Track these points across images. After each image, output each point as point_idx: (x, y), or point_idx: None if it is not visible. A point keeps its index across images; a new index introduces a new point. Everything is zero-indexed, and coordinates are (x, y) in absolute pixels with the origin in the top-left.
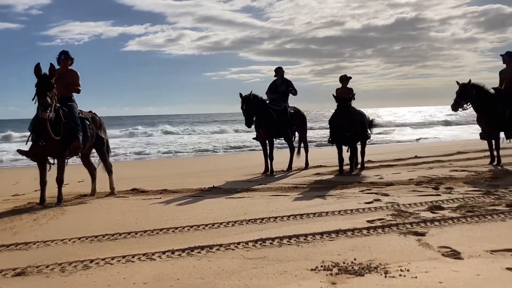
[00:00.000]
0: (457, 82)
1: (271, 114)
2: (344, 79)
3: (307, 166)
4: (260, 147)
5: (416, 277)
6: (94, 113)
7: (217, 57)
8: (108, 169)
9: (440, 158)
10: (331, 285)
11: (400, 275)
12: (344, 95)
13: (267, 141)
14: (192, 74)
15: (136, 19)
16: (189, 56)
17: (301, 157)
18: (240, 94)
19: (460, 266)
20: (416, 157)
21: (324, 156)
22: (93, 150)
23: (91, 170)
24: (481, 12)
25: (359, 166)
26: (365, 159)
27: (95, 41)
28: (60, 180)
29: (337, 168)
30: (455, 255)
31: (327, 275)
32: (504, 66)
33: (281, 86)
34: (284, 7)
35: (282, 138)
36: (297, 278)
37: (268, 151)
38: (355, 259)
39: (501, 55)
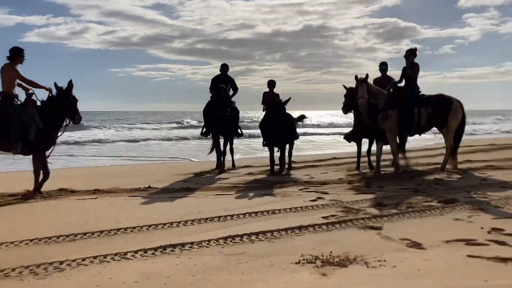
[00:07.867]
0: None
1: (230, 112)
2: (272, 84)
3: (234, 166)
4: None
5: (395, 266)
6: None
7: (124, 53)
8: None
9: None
10: (322, 276)
11: (380, 265)
12: (273, 99)
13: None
14: (96, 69)
15: (37, 9)
16: (94, 50)
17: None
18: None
19: (428, 256)
20: (334, 158)
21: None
22: None
23: None
24: (380, 24)
25: (286, 166)
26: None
27: None
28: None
29: (267, 168)
30: (418, 246)
31: (313, 267)
32: (380, 75)
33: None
34: (195, 7)
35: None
36: (286, 271)
37: (222, 146)
38: (331, 252)
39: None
